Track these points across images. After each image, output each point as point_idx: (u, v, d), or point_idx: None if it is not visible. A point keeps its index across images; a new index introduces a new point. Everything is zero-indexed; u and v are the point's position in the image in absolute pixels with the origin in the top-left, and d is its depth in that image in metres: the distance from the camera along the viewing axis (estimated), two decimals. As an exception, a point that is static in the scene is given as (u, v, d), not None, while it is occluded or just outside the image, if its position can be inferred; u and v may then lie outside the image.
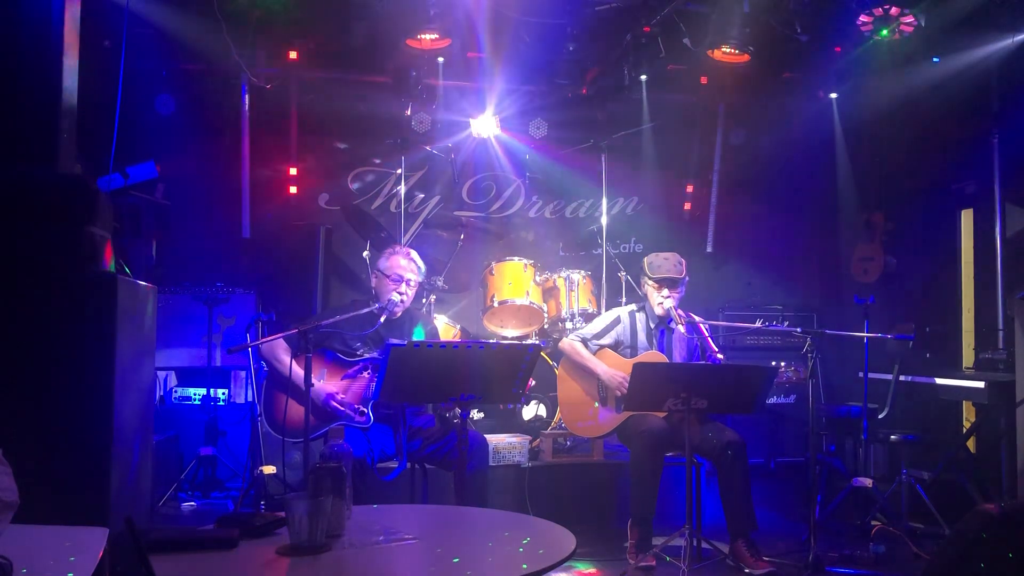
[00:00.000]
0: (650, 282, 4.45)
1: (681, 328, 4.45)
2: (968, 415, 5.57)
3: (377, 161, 6.45)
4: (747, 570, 3.95)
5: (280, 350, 3.95)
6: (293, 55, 5.97)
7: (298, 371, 3.75)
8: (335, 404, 3.89)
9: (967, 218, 5.98)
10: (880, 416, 5.00)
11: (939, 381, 5.10)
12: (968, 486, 4.88)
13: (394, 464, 3.95)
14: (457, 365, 3.35)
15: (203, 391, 5.69)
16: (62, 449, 2.96)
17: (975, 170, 5.76)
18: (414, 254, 4.20)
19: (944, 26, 5.28)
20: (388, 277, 4.09)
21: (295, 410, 3.88)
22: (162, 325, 4.55)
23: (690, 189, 6.90)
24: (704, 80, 6.56)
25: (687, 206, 6.91)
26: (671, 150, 6.78)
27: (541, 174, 6.58)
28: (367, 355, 4.03)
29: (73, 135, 3.58)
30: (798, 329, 4.34)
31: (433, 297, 5.52)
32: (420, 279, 4.24)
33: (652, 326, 4.52)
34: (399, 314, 4.14)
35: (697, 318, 4.53)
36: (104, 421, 3.02)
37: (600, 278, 5.90)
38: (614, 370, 4.37)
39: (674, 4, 5.43)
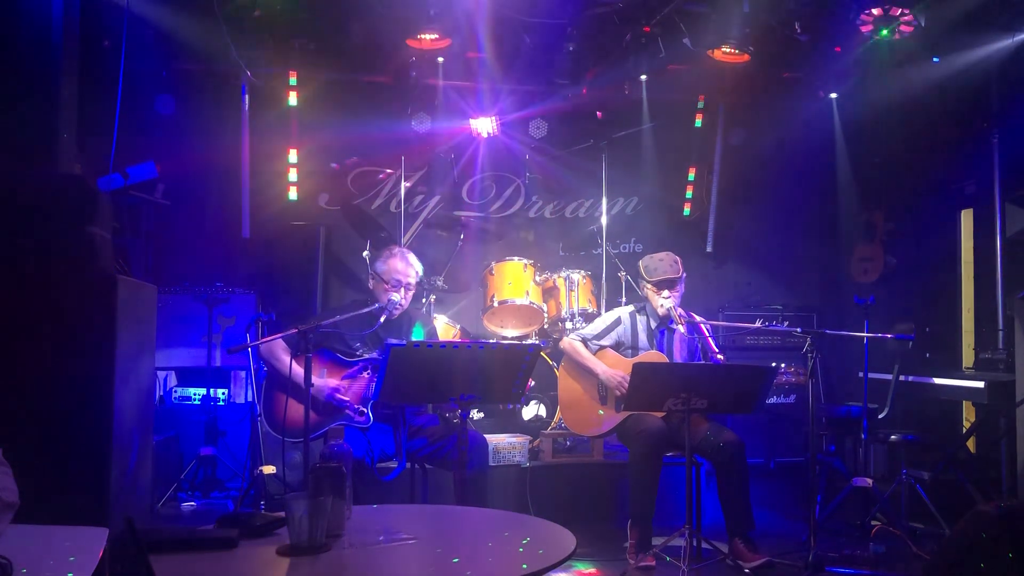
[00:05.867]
0: (649, 285, 4.45)
1: (681, 328, 4.45)
2: (968, 415, 5.57)
3: (377, 161, 6.44)
4: (744, 564, 3.96)
5: (279, 349, 3.95)
6: (293, 54, 5.97)
7: (298, 370, 3.75)
8: (340, 397, 3.89)
9: (967, 218, 5.97)
10: (880, 416, 5.00)
11: (939, 381, 5.10)
12: (968, 486, 4.88)
13: (394, 464, 3.95)
14: (457, 365, 3.35)
15: (203, 391, 5.69)
16: (62, 449, 2.96)
17: (975, 170, 5.76)
18: (411, 256, 4.19)
19: (944, 26, 5.28)
20: (386, 283, 4.08)
21: (295, 410, 3.88)
22: (162, 325, 4.55)
23: (690, 189, 6.90)
24: (702, 98, 6.57)
25: (687, 206, 6.92)
26: (671, 151, 6.78)
27: (541, 174, 6.58)
28: (367, 355, 4.03)
29: (73, 135, 3.59)
30: (798, 329, 4.33)
31: (433, 297, 5.52)
32: (418, 280, 4.24)
33: (653, 326, 4.52)
34: (398, 314, 4.14)
35: (698, 318, 4.54)
36: (104, 421, 3.02)
37: (600, 278, 5.90)
38: (613, 370, 4.37)
39: (674, 4, 5.43)
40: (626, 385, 4.01)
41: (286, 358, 3.92)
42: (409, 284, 4.13)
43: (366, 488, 3.79)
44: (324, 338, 3.98)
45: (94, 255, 3.17)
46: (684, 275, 4.46)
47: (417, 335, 4.24)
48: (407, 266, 4.13)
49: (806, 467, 4.21)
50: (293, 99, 6.11)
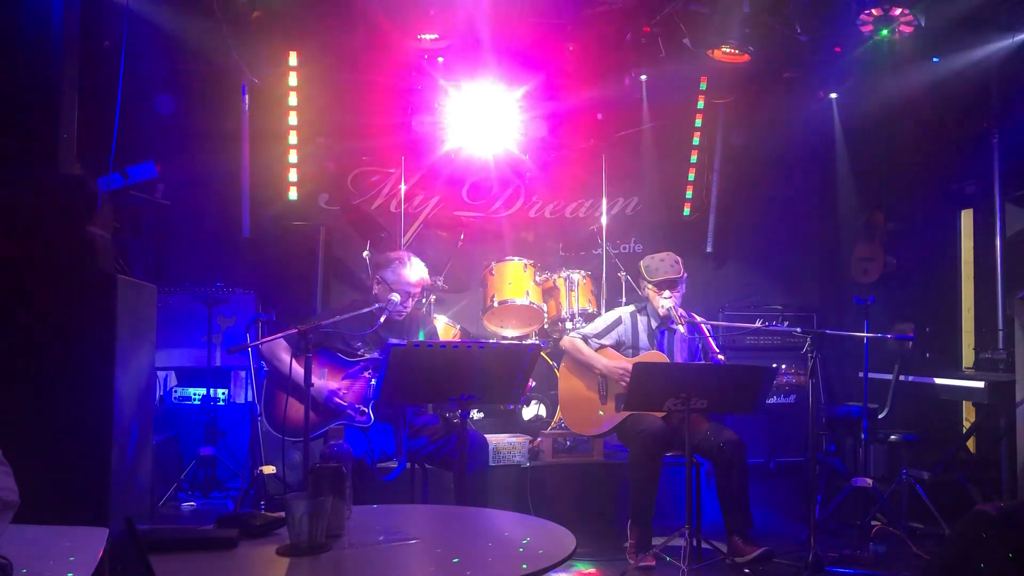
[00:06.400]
0: (650, 286, 4.45)
1: (682, 328, 4.45)
2: (968, 415, 5.57)
3: (377, 161, 6.43)
4: (740, 558, 3.97)
5: (280, 349, 3.95)
6: (293, 55, 5.98)
7: (298, 370, 3.75)
8: (338, 400, 3.89)
9: (967, 218, 5.97)
10: (880, 416, 5.00)
11: (939, 381, 5.10)
12: (968, 486, 4.88)
13: (394, 464, 3.96)
14: (457, 365, 3.35)
15: (203, 391, 5.69)
16: (62, 449, 2.96)
17: (975, 170, 5.75)
18: (418, 264, 4.16)
19: (944, 26, 5.28)
20: (394, 291, 4.06)
21: (295, 409, 3.88)
22: (162, 325, 4.55)
23: (690, 189, 6.90)
24: (704, 80, 6.57)
25: (687, 206, 6.92)
26: (671, 150, 6.78)
27: (541, 174, 6.58)
28: (368, 355, 4.02)
29: (73, 135, 3.58)
30: (798, 329, 4.34)
31: (433, 297, 5.52)
32: (422, 287, 4.24)
33: (653, 326, 4.52)
34: (400, 318, 4.13)
35: (699, 318, 4.54)
36: (104, 421, 3.02)
37: (600, 278, 5.89)
38: (615, 361, 4.37)
39: (674, 4, 5.43)
40: (628, 376, 4.01)
41: (286, 357, 3.92)
42: (415, 293, 4.13)
43: (366, 488, 3.79)
44: (325, 338, 3.98)
45: (94, 255, 3.17)
46: (685, 275, 4.46)
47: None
48: (417, 277, 4.11)
49: (806, 467, 4.21)
50: (293, 99, 6.11)
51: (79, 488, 2.95)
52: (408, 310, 4.13)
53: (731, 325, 5.49)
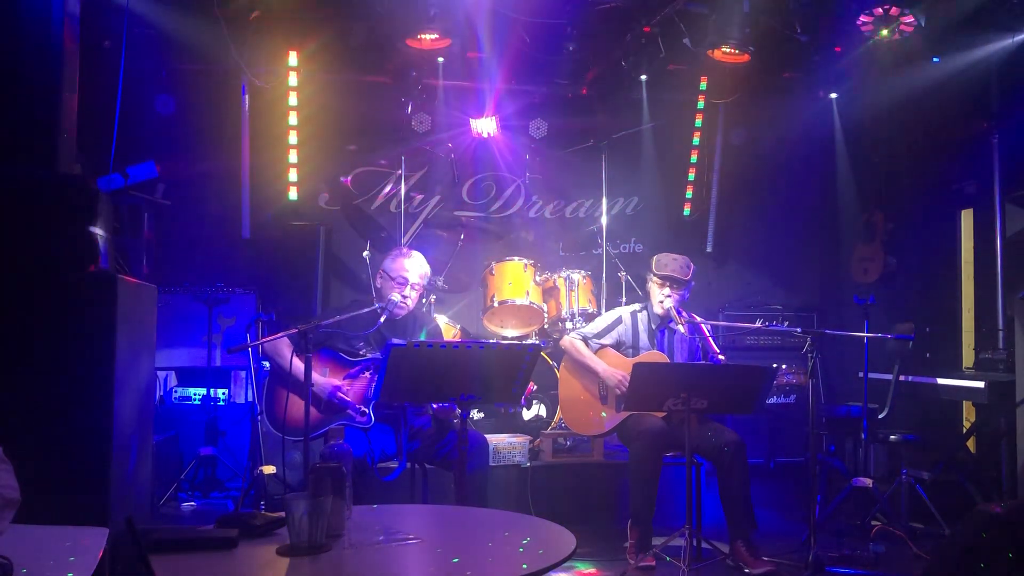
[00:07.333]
0: (655, 278, 4.45)
1: (682, 328, 4.45)
2: (968, 415, 5.57)
3: (377, 161, 6.43)
4: (746, 570, 3.95)
5: (283, 346, 3.94)
6: (293, 55, 5.98)
7: (299, 367, 3.75)
8: (341, 395, 3.89)
9: (967, 218, 5.98)
10: (880, 416, 5.00)
11: (939, 381, 5.10)
12: (968, 486, 4.88)
13: (394, 464, 3.95)
14: (457, 365, 3.34)
15: (203, 391, 5.69)
16: (62, 449, 2.96)
17: (975, 170, 5.76)
18: (420, 258, 4.18)
19: (944, 26, 5.28)
20: (393, 279, 4.09)
21: (297, 407, 3.87)
22: (162, 325, 4.55)
23: (690, 189, 6.90)
24: (704, 80, 6.57)
25: (687, 206, 6.92)
26: (671, 150, 6.78)
27: (541, 174, 6.58)
28: (370, 355, 4.02)
29: (73, 135, 3.58)
30: (798, 329, 4.33)
31: (433, 297, 5.51)
32: (424, 283, 4.24)
33: (654, 326, 4.52)
34: (402, 315, 4.13)
35: (699, 319, 4.54)
36: (104, 421, 3.02)
37: (600, 278, 5.90)
38: (614, 368, 4.37)
39: (674, 4, 5.43)
40: (626, 384, 4.01)
41: (289, 354, 3.92)
42: (415, 284, 4.13)
43: (366, 488, 3.79)
44: (327, 337, 3.98)
45: (94, 255, 3.17)
46: (692, 283, 4.46)
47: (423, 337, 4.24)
48: (415, 265, 4.13)
49: (806, 467, 4.21)
50: (293, 99, 6.11)
51: (79, 488, 2.94)
52: (410, 305, 4.13)
53: (731, 325, 5.49)
